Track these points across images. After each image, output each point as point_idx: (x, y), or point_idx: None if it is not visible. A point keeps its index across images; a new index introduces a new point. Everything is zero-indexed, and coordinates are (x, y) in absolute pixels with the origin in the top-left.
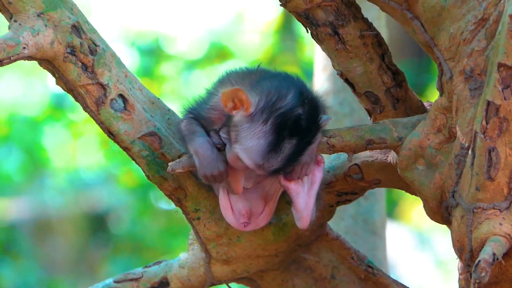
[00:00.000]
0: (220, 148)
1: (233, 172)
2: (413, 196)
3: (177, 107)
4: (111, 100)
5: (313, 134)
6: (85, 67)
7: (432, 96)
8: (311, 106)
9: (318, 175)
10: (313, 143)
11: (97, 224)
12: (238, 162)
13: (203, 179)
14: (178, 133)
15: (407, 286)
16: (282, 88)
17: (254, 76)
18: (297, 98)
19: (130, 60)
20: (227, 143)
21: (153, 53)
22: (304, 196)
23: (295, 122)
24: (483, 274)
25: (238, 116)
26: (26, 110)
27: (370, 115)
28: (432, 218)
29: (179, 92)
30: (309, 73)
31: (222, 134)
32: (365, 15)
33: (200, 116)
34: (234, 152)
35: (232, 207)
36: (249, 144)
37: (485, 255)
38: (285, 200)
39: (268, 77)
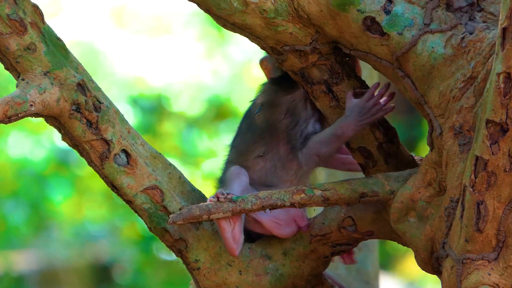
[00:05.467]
0: None
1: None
2: (405, 247)
3: (178, 162)
4: (115, 155)
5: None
6: (89, 123)
7: (423, 151)
8: None
9: None
10: None
11: (102, 275)
12: None
13: None
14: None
15: None
16: None
17: None
18: None
19: (133, 117)
20: None
21: (154, 111)
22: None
23: None
24: None
25: None
26: (33, 165)
27: (363, 169)
28: (423, 269)
29: (180, 149)
30: None
31: None
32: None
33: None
34: None
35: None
36: None
37: None
38: (282, 251)
39: None
